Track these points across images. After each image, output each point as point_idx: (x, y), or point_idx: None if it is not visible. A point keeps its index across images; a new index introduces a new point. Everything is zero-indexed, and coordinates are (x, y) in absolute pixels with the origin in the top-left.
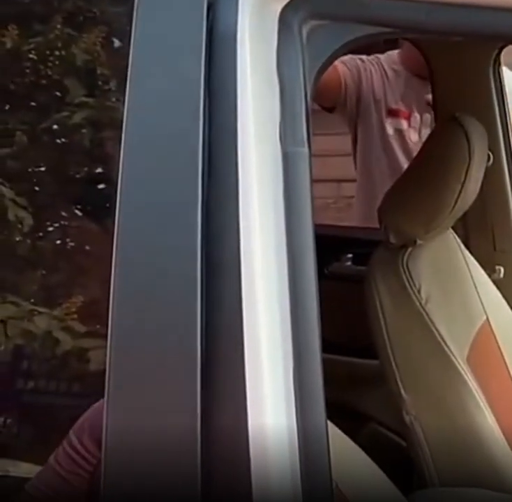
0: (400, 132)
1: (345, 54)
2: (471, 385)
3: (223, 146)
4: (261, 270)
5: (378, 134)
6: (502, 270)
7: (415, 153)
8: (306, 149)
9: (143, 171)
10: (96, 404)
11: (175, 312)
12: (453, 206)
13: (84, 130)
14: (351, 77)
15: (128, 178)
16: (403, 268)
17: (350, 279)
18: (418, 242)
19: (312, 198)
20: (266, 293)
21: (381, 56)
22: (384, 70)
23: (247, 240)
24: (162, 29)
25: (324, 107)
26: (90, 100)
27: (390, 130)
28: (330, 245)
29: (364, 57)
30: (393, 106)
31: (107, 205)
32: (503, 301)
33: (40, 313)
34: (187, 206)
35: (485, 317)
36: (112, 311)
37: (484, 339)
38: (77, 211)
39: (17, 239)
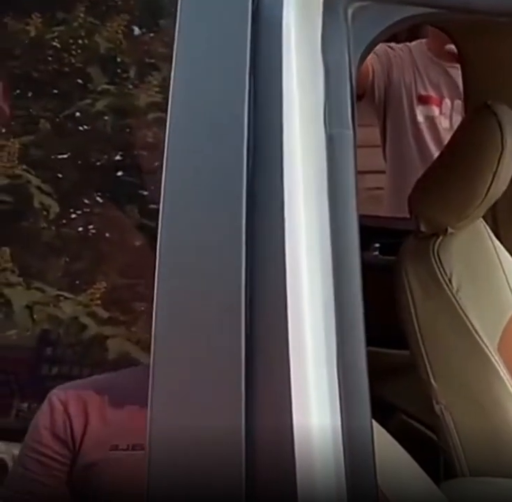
0: (431, 119)
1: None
2: (502, 374)
3: (268, 128)
4: (306, 254)
5: (409, 121)
6: None
7: (446, 141)
8: (351, 131)
9: (187, 154)
10: (40, 411)
11: (219, 304)
12: (485, 195)
13: (106, 118)
14: (379, 63)
15: (173, 162)
16: (434, 256)
17: (377, 269)
18: (449, 231)
19: (357, 180)
20: (310, 281)
21: (411, 44)
22: (414, 56)
23: (292, 223)
24: (207, 13)
25: None
26: (112, 87)
27: (420, 117)
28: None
29: (393, 44)
30: (423, 92)
31: (133, 191)
32: None
33: (65, 298)
34: (231, 188)
35: None
36: (155, 311)
37: None
38: (101, 199)
39: (43, 226)
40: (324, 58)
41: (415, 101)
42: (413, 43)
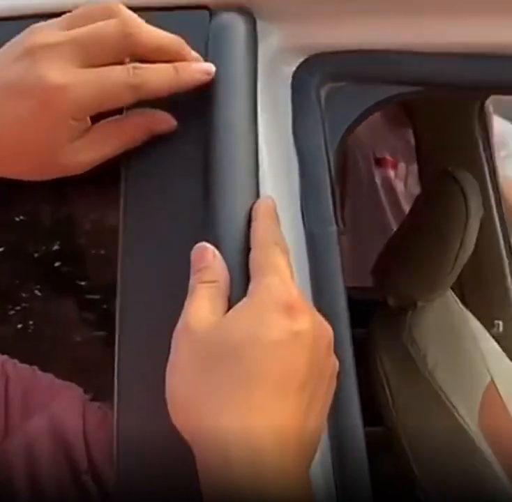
0: (388, 183)
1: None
2: (486, 455)
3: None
4: None
5: (367, 185)
6: (501, 324)
7: (402, 205)
8: (334, 227)
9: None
10: None
11: None
12: (454, 263)
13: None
14: None
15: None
16: (406, 334)
17: None
18: (420, 304)
19: (344, 280)
20: None
21: None
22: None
23: None
24: None
25: None
26: None
27: (378, 179)
28: None
29: None
30: (379, 155)
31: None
32: (504, 356)
33: None
34: None
35: (489, 378)
36: (119, 317)
37: (491, 401)
38: (39, 292)
39: None
40: (296, 145)
41: (373, 164)
42: None
